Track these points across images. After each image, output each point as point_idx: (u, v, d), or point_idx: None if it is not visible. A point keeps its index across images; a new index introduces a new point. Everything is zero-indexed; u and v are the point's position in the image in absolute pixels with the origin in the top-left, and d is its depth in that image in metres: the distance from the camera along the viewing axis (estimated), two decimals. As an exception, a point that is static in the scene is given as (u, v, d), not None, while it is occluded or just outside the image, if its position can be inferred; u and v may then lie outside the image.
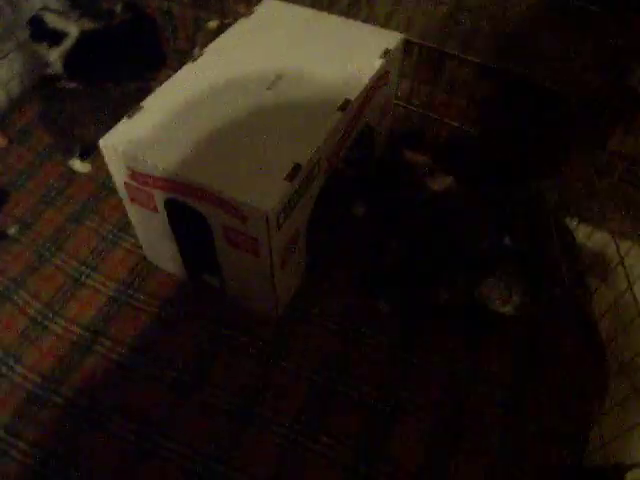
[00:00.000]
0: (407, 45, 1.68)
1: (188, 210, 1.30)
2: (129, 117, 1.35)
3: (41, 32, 1.91)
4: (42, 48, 1.94)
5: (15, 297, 1.55)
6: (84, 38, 1.93)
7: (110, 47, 1.97)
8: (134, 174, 1.31)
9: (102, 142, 1.29)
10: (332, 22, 1.67)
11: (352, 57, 1.53)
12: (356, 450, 1.30)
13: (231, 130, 1.33)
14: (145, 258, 1.65)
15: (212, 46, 1.57)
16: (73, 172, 1.86)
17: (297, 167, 1.24)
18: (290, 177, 1.22)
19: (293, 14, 1.70)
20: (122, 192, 1.41)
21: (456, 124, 1.81)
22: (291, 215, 1.28)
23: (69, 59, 1.96)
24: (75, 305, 1.54)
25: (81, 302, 1.55)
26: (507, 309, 1.41)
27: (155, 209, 1.38)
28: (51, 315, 1.51)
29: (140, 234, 1.59)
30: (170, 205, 1.35)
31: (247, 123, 1.35)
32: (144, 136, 1.30)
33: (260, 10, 1.72)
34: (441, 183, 1.55)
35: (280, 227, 1.25)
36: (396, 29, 1.66)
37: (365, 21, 1.72)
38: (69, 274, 1.61)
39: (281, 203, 1.20)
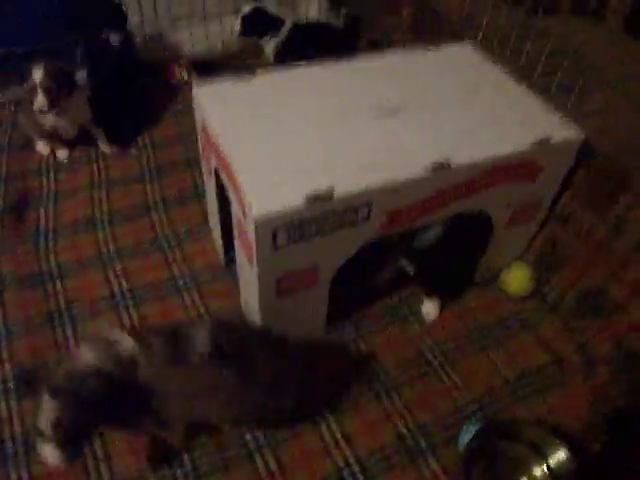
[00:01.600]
0: (586, 152, 1.31)
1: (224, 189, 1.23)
2: (235, 80, 1.32)
3: (258, 23, 2.02)
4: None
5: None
6: (295, 29, 2.01)
7: (315, 40, 2.02)
8: (204, 128, 1.29)
9: (194, 91, 1.29)
10: (510, 86, 1.40)
11: (495, 127, 1.25)
12: None
13: (306, 135, 1.20)
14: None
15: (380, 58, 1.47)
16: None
17: (327, 193, 1.05)
18: (312, 199, 1.04)
19: (477, 65, 1.48)
20: (199, 144, 1.41)
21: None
22: (302, 244, 1.10)
23: (282, 50, 2.05)
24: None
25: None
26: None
27: (210, 173, 1.34)
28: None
29: (208, 203, 1.57)
30: (217, 176, 1.29)
31: (329, 137, 1.20)
32: (230, 98, 1.27)
33: (450, 51, 1.54)
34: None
35: (277, 248, 1.07)
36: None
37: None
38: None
39: (283, 218, 1.02)
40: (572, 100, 1.36)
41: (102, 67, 1.91)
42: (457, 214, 1.26)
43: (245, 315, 1.37)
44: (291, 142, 1.17)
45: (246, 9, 1.97)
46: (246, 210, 1.04)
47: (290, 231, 1.06)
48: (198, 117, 1.32)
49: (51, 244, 1.53)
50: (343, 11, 2.09)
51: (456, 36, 1.60)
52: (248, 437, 1.18)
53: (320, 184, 1.05)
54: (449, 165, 1.14)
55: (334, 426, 1.21)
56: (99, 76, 1.87)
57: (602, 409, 1.25)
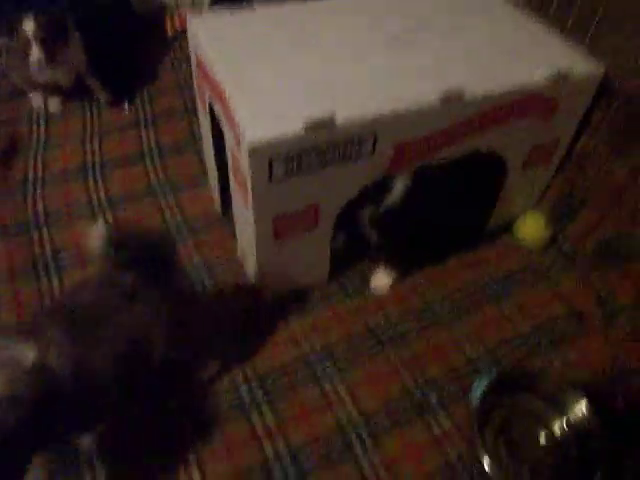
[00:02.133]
0: (605, 90, 1.21)
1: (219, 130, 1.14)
2: (231, 11, 1.23)
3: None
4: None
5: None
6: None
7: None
8: (198, 61, 1.19)
9: (189, 19, 1.20)
10: (525, 19, 1.29)
11: (511, 58, 1.16)
12: None
13: (307, 63, 1.10)
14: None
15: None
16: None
17: (327, 121, 0.95)
18: (311, 126, 0.95)
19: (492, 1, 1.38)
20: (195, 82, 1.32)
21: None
22: (302, 176, 1.01)
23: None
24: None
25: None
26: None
27: (205, 110, 1.25)
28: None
29: (203, 146, 1.48)
30: (212, 111, 1.20)
31: (332, 65, 1.10)
32: (226, 29, 1.17)
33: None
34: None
35: (273, 179, 0.99)
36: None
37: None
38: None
39: (279, 146, 0.94)
40: (590, 36, 1.26)
41: (92, 14, 1.82)
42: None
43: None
44: (290, 70, 1.08)
45: None
46: (240, 139, 0.95)
47: (287, 162, 0.97)
48: (192, 50, 1.23)
49: (39, 192, 1.46)
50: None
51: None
52: (243, 389, 1.11)
53: (321, 111, 0.96)
54: (462, 94, 1.04)
55: (336, 379, 1.14)
56: (91, 24, 1.77)
57: (624, 363, 1.17)
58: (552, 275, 1.34)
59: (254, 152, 0.93)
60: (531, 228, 1.39)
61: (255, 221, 1.06)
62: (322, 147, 0.98)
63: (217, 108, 1.12)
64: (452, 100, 1.04)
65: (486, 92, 1.06)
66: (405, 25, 1.23)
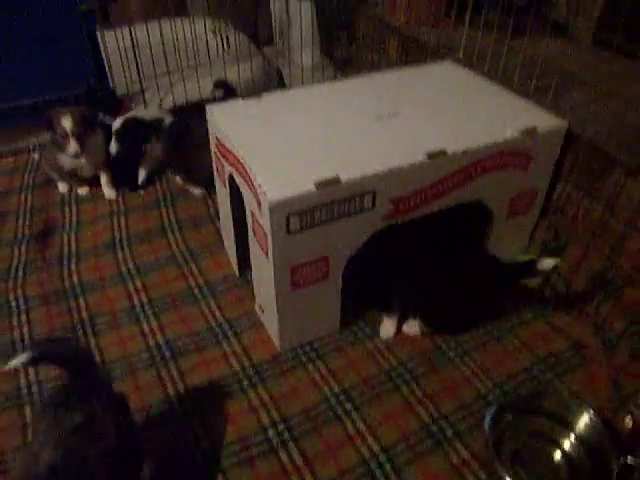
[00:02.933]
0: (573, 141, 1.39)
1: (238, 191, 1.31)
2: (243, 99, 1.45)
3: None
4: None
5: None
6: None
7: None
8: (218, 142, 1.38)
9: (208, 108, 1.41)
10: (493, 91, 1.52)
11: (485, 121, 1.35)
12: None
13: (312, 135, 1.30)
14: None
15: (371, 76, 1.62)
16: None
17: (334, 180, 1.12)
18: (321, 185, 1.11)
19: (460, 75, 1.62)
20: (214, 163, 1.51)
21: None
22: (314, 229, 1.16)
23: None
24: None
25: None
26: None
27: (224, 183, 1.43)
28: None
29: (221, 216, 1.65)
30: (231, 183, 1.37)
31: (334, 136, 1.29)
32: (241, 113, 1.39)
33: (435, 67, 1.67)
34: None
35: (290, 231, 1.13)
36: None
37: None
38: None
39: (295, 203, 1.09)
40: (550, 97, 1.47)
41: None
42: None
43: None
44: (299, 141, 1.27)
45: (117, 123, 1.85)
46: (261, 199, 1.11)
47: (302, 217, 1.12)
48: (212, 132, 1.42)
49: (74, 265, 1.61)
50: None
51: (438, 60, 1.75)
52: (270, 433, 1.19)
53: (328, 173, 1.13)
54: (445, 152, 1.22)
55: (356, 417, 1.21)
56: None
57: (627, 387, 1.25)
58: (548, 312, 1.45)
59: (274, 210, 1.08)
60: (524, 270, 1.52)
61: (275, 271, 1.19)
62: (330, 203, 1.14)
63: (237, 179, 1.29)
64: (437, 157, 1.21)
65: (466, 149, 1.24)
66: (391, 100, 1.44)
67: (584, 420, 1.12)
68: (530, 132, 1.30)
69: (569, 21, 1.97)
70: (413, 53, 2.10)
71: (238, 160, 1.24)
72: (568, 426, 1.13)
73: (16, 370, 1.27)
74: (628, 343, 1.32)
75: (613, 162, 1.32)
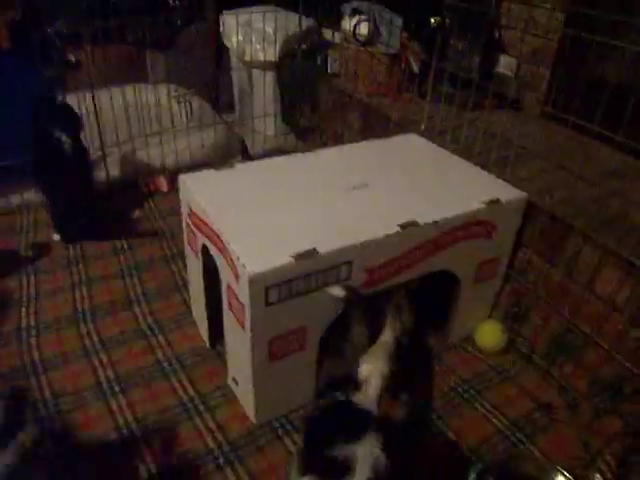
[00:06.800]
0: (532, 210, 1.49)
1: (212, 262, 1.31)
2: (216, 169, 1.47)
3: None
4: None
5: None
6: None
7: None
8: (191, 212, 1.39)
9: (181, 178, 1.42)
10: (456, 162, 1.62)
11: (451, 193, 1.44)
12: None
13: (286, 206, 1.33)
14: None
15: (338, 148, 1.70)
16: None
17: (312, 251, 1.15)
18: (299, 257, 1.13)
19: (424, 148, 1.71)
20: (185, 233, 1.51)
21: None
22: (292, 300, 1.17)
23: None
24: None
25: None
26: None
27: (197, 254, 1.42)
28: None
29: (191, 287, 1.63)
30: (204, 253, 1.37)
31: (308, 207, 1.33)
32: (214, 182, 1.41)
33: (400, 139, 1.77)
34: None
35: (269, 303, 1.14)
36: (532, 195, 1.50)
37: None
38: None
39: (274, 275, 1.11)
40: (509, 170, 1.58)
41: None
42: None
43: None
44: (274, 213, 1.30)
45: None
46: (239, 272, 1.12)
47: (281, 288, 1.13)
48: (184, 202, 1.43)
49: (34, 340, 1.52)
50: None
51: (401, 132, 1.86)
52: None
53: (304, 246, 1.16)
54: (417, 223, 1.28)
55: None
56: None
57: (595, 445, 1.29)
58: (515, 375, 1.50)
59: (253, 282, 1.09)
60: (489, 336, 1.57)
61: (252, 343, 1.18)
62: (308, 274, 1.16)
63: (212, 250, 1.29)
64: (409, 227, 1.27)
65: (435, 219, 1.31)
66: (360, 172, 1.51)
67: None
68: (495, 203, 1.39)
69: (520, 96, 2.15)
70: (375, 124, 2.21)
71: (213, 231, 1.25)
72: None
73: None
74: (590, 403, 1.37)
75: (570, 229, 1.42)
